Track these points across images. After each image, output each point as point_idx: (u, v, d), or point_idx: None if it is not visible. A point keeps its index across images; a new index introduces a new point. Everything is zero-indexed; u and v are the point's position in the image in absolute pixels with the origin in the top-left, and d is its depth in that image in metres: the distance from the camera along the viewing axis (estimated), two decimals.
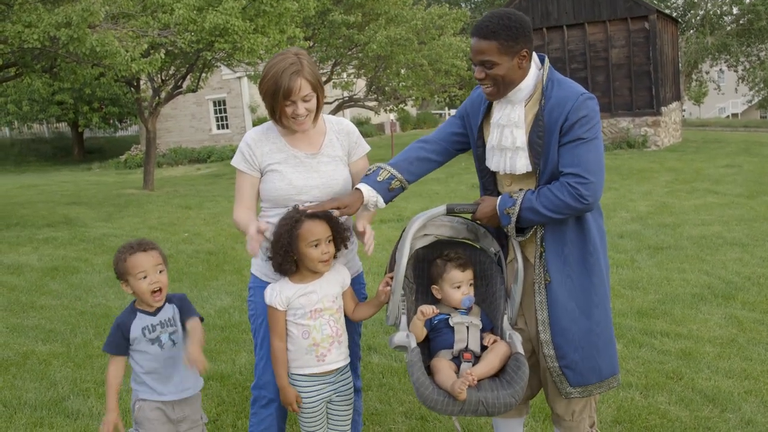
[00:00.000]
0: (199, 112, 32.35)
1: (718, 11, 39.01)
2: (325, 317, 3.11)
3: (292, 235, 3.02)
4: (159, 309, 3.06)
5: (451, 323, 3.10)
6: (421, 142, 3.35)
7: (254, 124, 31.23)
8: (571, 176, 2.89)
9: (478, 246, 3.35)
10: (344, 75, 23.63)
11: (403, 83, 22.53)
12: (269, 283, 3.25)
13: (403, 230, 3.21)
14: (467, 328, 3.09)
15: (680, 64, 32.11)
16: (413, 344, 2.99)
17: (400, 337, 3.07)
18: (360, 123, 35.87)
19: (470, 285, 3.18)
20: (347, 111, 33.46)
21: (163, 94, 17.52)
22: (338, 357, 3.16)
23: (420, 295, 3.32)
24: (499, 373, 2.98)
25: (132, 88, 17.85)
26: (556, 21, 24.47)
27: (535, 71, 3.01)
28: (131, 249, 3.02)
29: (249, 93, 31.14)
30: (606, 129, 23.82)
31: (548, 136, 2.93)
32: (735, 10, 39.36)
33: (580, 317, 3.06)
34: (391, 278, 3.17)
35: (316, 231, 3.03)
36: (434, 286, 3.22)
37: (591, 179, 2.88)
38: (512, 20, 2.88)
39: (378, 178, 3.20)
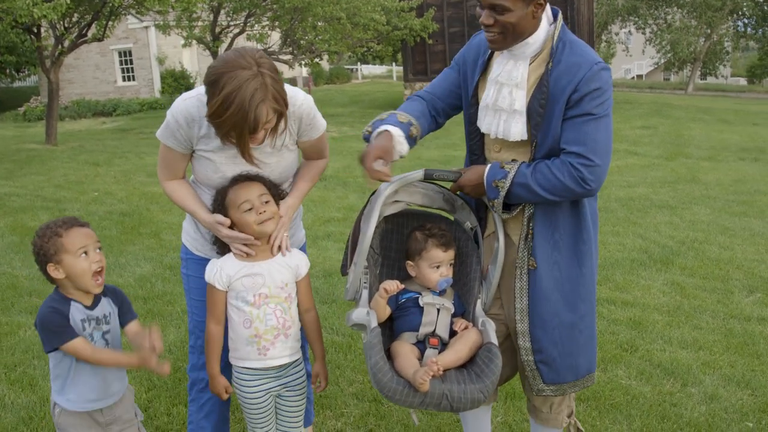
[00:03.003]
0: (103, 62, 30.77)
1: None
2: (270, 306, 2.72)
3: (222, 206, 2.65)
4: (96, 302, 2.59)
5: (420, 303, 2.75)
6: (418, 98, 2.92)
7: (162, 77, 30.01)
8: (574, 156, 2.52)
9: (452, 218, 3.00)
10: (257, 27, 22.76)
11: (320, 37, 21.85)
12: (199, 256, 2.88)
13: (372, 194, 2.83)
14: (438, 310, 2.74)
15: (594, 25, 32.41)
16: (373, 323, 2.59)
17: (359, 314, 2.67)
18: None
19: (450, 266, 2.82)
20: None
21: (66, 43, 16.39)
22: (283, 352, 2.77)
23: (385, 269, 2.96)
24: (467, 364, 2.62)
25: (32, 36, 16.62)
26: None
27: (545, 26, 2.60)
28: (65, 224, 2.52)
29: (156, 43, 29.77)
30: None
31: (551, 105, 2.55)
32: None
33: (564, 310, 2.73)
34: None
35: (243, 193, 2.65)
36: (410, 262, 2.84)
37: (597, 161, 2.51)
38: None
39: (399, 119, 2.74)
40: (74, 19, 16.51)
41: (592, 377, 2.88)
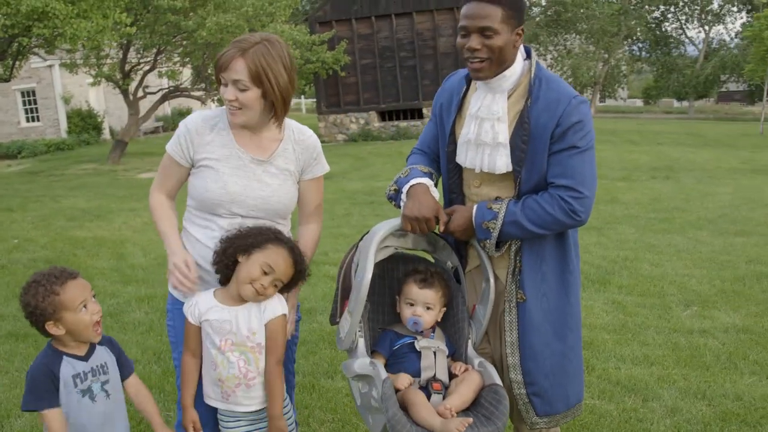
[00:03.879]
0: (5, 103, 29.71)
1: (528, 2, 40.84)
2: (234, 354, 2.67)
3: (249, 251, 2.58)
4: (90, 352, 2.49)
5: (417, 347, 2.74)
6: (420, 152, 2.99)
7: (68, 117, 29.20)
8: (563, 189, 2.58)
9: (434, 258, 3.01)
10: (169, 63, 22.47)
11: None
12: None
13: (358, 241, 2.82)
14: (434, 353, 2.75)
15: None
16: (383, 374, 2.56)
17: (362, 365, 2.65)
18: (182, 113, 34.44)
19: (427, 309, 2.79)
20: (171, 102, 31.99)
21: None
22: (247, 401, 2.72)
23: (371, 314, 2.93)
24: (472, 407, 2.63)
25: None
26: (384, 10, 24.61)
27: (521, 60, 2.67)
28: (58, 279, 2.41)
29: (62, 83, 28.97)
30: None
31: (534, 142, 2.60)
32: (543, 2, 41.44)
33: (554, 340, 2.76)
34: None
35: (282, 265, 2.64)
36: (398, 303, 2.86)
37: (585, 193, 2.58)
38: None
39: (422, 170, 2.82)
40: None
41: (581, 407, 2.92)
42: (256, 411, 2.73)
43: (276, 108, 2.69)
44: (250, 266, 2.59)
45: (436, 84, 23.75)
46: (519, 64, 2.66)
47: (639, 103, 59.40)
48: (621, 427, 3.93)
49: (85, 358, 2.47)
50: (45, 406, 2.38)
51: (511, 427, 3.76)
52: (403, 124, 25.79)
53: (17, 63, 16.08)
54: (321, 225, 3.05)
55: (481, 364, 2.72)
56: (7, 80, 16.00)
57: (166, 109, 33.84)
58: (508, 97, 2.67)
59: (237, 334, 2.65)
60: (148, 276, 7.29)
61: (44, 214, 11.66)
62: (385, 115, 26.08)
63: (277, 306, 2.71)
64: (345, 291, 2.81)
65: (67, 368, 2.43)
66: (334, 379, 4.62)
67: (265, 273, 2.59)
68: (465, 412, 2.59)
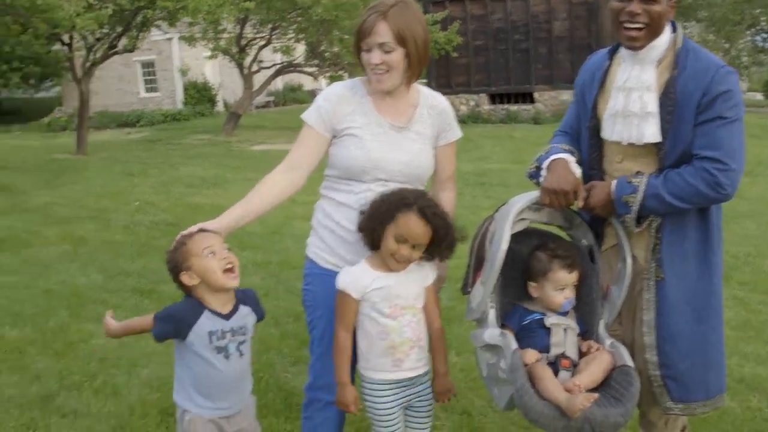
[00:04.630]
0: (127, 73, 30.92)
1: None
2: (406, 317, 2.69)
3: (393, 215, 2.59)
4: (233, 312, 2.58)
5: (546, 323, 2.73)
6: (562, 133, 2.98)
7: (185, 89, 30.11)
8: (708, 161, 2.51)
9: (566, 236, 2.97)
10: (284, 39, 22.85)
11: (346, 49, 21.90)
12: (329, 270, 2.83)
13: (494, 212, 2.83)
14: (564, 330, 2.73)
15: None
16: (513, 345, 2.59)
17: (492, 335, 2.68)
18: (293, 89, 35.03)
19: (573, 287, 2.78)
20: (283, 77, 32.55)
21: (99, 53, 16.49)
22: (417, 363, 2.74)
23: (503, 288, 2.92)
24: (600, 387, 2.59)
25: (65, 46, 16.75)
26: None
27: (668, 32, 2.63)
28: (188, 234, 2.57)
29: (180, 56, 29.91)
30: (547, 101, 23.84)
31: (680, 111, 2.55)
32: None
33: (694, 322, 2.68)
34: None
35: (414, 231, 2.60)
36: (532, 283, 2.80)
37: (732, 166, 2.50)
38: None
39: (563, 148, 2.82)
40: (105, 30, 16.64)
41: (723, 398, 2.83)
42: (418, 375, 2.76)
43: (413, 69, 2.73)
44: (387, 241, 2.61)
45: (548, 68, 23.33)
46: (667, 35, 2.62)
47: (759, 96, 56.68)
48: (745, 425, 3.79)
49: (226, 317, 2.55)
50: (170, 332, 2.54)
51: (637, 414, 3.70)
52: (513, 108, 25.40)
53: (140, 35, 16.67)
54: (456, 193, 3.06)
55: (613, 345, 2.68)
56: (131, 51, 16.63)
57: (278, 84, 34.44)
58: (656, 67, 2.62)
59: (405, 297, 2.67)
60: (263, 243, 7.49)
61: (163, 180, 12.12)
62: (495, 98, 25.76)
63: (431, 269, 2.77)
64: (478, 261, 2.83)
65: (206, 323, 2.51)
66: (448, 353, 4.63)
67: (401, 242, 2.61)
68: (593, 391, 2.54)
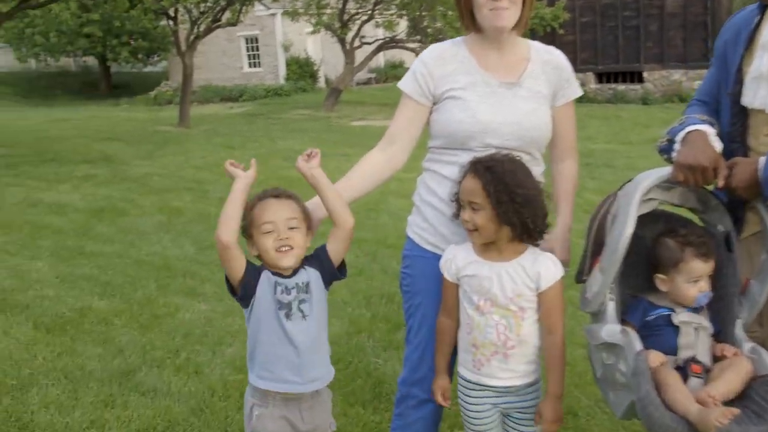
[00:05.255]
0: (230, 48, 31.26)
1: None
2: (494, 317, 2.31)
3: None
4: (295, 272, 2.31)
5: (674, 321, 2.30)
6: (699, 102, 2.55)
7: (287, 64, 30.24)
8: None
9: (702, 219, 2.52)
10: (386, 14, 22.59)
11: (449, 25, 21.43)
12: (431, 252, 2.50)
13: (617, 189, 2.41)
14: (695, 330, 2.29)
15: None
16: (637, 345, 2.18)
17: (611, 332, 2.27)
18: (394, 66, 34.72)
19: (708, 279, 2.33)
20: (385, 54, 32.30)
21: (202, 27, 16.61)
22: (501, 373, 2.35)
23: (623, 277, 2.49)
24: (738, 399, 2.16)
25: (170, 20, 16.93)
26: None
27: None
28: (261, 195, 2.31)
29: (283, 31, 30.05)
30: (657, 81, 22.77)
31: None
32: None
33: None
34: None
35: (463, 187, 2.30)
36: (660, 275, 2.37)
37: None
38: None
39: (701, 119, 2.38)
40: (209, 4, 16.74)
41: None
42: (508, 387, 2.37)
43: (525, 12, 2.40)
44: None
45: (659, 46, 22.23)
46: None
47: None
48: None
49: (288, 276, 2.30)
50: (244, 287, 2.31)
51: None
52: (621, 87, 24.36)
53: (243, 9, 16.68)
54: (578, 164, 2.66)
55: (754, 350, 2.23)
56: (233, 24, 16.70)
57: (380, 60, 34.22)
58: None
59: (499, 294, 2.29)
60: (358, 219, 7.11)
61: (262, 153, 12.05)
62: (602, 77, 24.80)
63: (552, 267, 2.32)
64: (597, 246, 2.42)
65: (265, 280, 2.28)
66: None
67: (462, 204, 2.29)
68: (729, 403, 2.11)
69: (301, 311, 2.29)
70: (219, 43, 30.39)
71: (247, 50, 31.45)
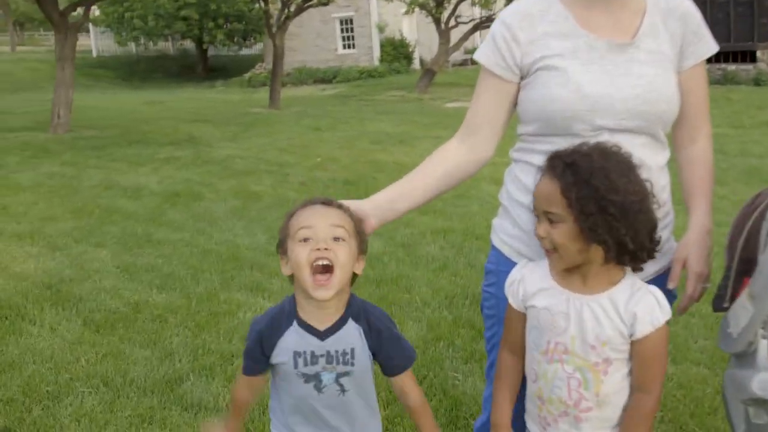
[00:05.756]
0: (324, 30, 31.02)
1: None
2: (566, 368, 1.70)
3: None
4: (332, 331, 1.70)
5: None
6: None
7: (381, 45, 29.77)
8: None
9: None
10: None
11: None
12: None
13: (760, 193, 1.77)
14: None
15: None
16: None
17: (765, 383, 1.66)
18: None
19: None
20: (481, 33, 31.42)
21: (293, 7, 16.29)
22: None
23: None
24: None
25: (261, 1, 16.68)
26: None
27: None
28: (308, 201, 1.74)
29: (378, 12, 29.58)
30: None
31: None
32: None
33: None
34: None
35: (538, 190, 1.70)
36: None
37: None
38: None
39: None
40: None
41: None
42: None
43: None
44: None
45: None
46: None
47: None
48: None
49: (321, 336, 1.69)
50: (246, 373, 1.81)
51: None
52: (731, 67, 22.79)
53: None
54: (712, 146, 2.01)
55: None
56: (325, 4, 16.32)
57: (476, 40, 33.33)
58: None
59: (577, 338, 1.68)
60: (446, 207, 6.61)
61: (350, 136, 11.62)
62: (711, 57, 23.34)
63: (655, 308, 1.66)
64: (745, 263, 1.81)
65: (290, 340, 1.70)
66: None
67: (537, 215, 1.69)
68: None
69: (340, 386, 1.73)
70: (313, 24, 30.20)
71: (342, 32, 31.16)
